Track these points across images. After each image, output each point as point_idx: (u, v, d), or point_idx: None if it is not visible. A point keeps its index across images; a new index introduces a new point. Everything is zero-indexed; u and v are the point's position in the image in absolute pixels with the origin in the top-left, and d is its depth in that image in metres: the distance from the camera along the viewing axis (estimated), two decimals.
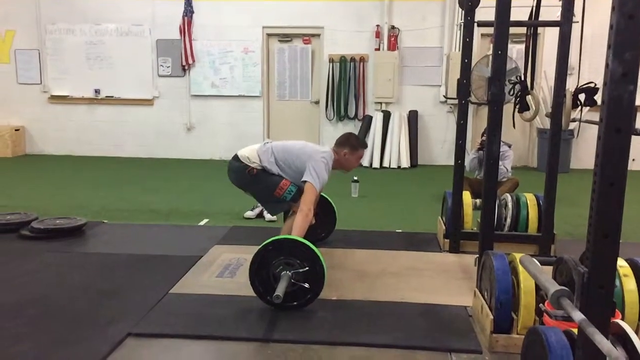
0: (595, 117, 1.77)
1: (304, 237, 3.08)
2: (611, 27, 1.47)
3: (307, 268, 2.91)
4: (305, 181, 3.39)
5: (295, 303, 2.95)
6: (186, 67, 8.78)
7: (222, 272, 3.56)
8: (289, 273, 2.91)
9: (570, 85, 3.66)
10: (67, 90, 9.02)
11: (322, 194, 4.11)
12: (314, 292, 2.95)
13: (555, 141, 3.71)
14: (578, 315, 1.49)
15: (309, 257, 2.93)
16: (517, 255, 2.56)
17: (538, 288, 2.47)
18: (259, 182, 3.56)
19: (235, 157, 3.65)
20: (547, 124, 7.49)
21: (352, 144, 3.65)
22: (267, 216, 5.02)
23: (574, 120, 3.51)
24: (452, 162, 4.16)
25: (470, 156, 5.65)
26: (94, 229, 4.53)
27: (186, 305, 3.04)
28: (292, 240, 2.98)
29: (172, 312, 2.95)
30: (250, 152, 3.63)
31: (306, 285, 2.92)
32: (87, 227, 4.47)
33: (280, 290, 2.78)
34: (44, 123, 9.16)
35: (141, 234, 4.53)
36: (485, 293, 2.76)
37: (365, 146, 3.85)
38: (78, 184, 6.78)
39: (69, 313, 2.92)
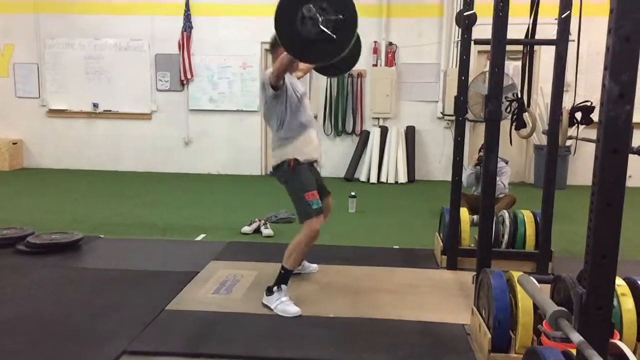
0: (592, 134, 1.78)
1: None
2: (607, 49, 1.48)
3: (340, 16, 2.64)
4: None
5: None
6: (185, 82, 8.81)
7: (219, 288, 3.54)
8: (320, 17, 2.63)
9: (567, 102, 3.68)
10: (66, 104, 9.03)
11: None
12: (341, 43, 2.68)
13: (552, 159, 3.72)
14: (576, 337, 1.48)
15: (346, 7, 2.65)
16: (515, 274, 2.55)
17: (536, 307, 2.46)
18: (297, 176, 3.35)
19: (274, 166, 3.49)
20: (543, 140, 7.51)
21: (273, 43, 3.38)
22: (265, 231, 5.01)
23: (570, 138, 3.53)
24: (449, 178, 4.16)
25: (467, 172, 5.66)
26: (90, 243, 4.51)
27: (182, 322, 3.02)
28: None
29: (168, 329, 2.93)
30: (275, 155, 3.45)
31: (334, 35, 2.64)
32: (83, 242, 4.45)
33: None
34: (41, 137, 9.16)
35: (137, 249, 4.51)
36: (483, 311, 2.75)
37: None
38: (75, 198, 6.76)
39: (64, 329, 2.90)
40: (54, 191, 7.33)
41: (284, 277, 3.26)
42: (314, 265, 3.93)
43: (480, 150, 5.70)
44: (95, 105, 8.98)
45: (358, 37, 3.40)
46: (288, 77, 3.32)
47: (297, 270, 3.49)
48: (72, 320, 3.02)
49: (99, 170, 8.96)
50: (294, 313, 3.14)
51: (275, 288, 3.23)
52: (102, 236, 4.80)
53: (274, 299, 3.21)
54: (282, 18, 2.74)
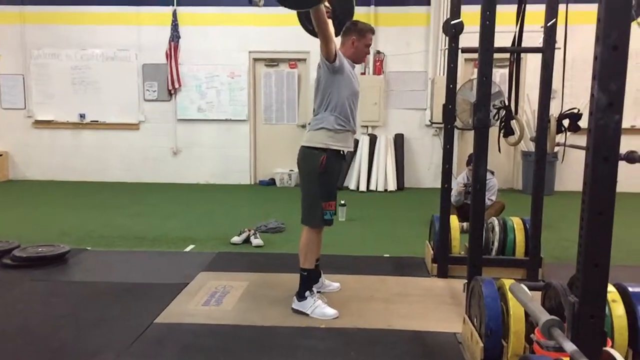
0: (578, 139, 1.79)
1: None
2: (595, 58, 1.49)
3: None
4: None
5: None
6: (172, 92, 8.78)
7: (209, 300, 3.50)
8: None
9: (553, 108, 3.70)
10: (52, 115, 8.96)
11: None
12: None
13: (540, 167, 3.74)
14: (570, 346, 1.48)
15: None
16: (506, 282, 2.55)
17: (528, 314, 2.45)
18: (322, 182, 3.21)
19: (304, 148, 3.30)
20: (531, 146, 7.57)
21: (359, 29, 3.30)
22: (255, 241, 4.98)
23: (558, 145, 3.55)
24: (438, 185, 4.16)
25: (454, 195, 5.57)
26: (77, 256, 4.45)
27: (171, 335, 2.97)
28: None
29: (157, 343, 2.88)
30: (310, 136, 3.26)
31: None
32: (70, 254, 4.39)
33: None
34: (28, 148, 9.07)
35: (125, 261, 4.46)
36: (475, 320, 2.74)
37: (374, 32, 3.42)
38: (62, 210, 6.68)
39: (51, 344, 2.84)
40: (40, 203, 7.25)
41: (307, 279, 3.28)
42: (335, 284, 3.76)
43: (468, 164, 5.68)
44: (82, 116, 8.92)
45: None
46: (349, 68, 3.27)
47: (317, 289, 3.43)
48: (58, 335, 2.96)
49: (86, 182, 8.88)
50: (332, 315, 3.17)
51: (307, 293, 3.24)
52: (89, 248, 4.74)
53: (308, 304, 3.22)
54: None
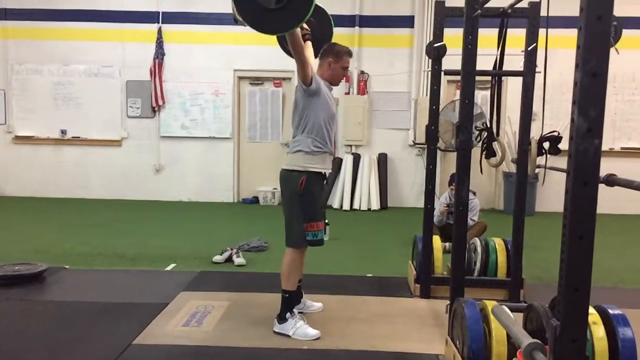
0: (559, 161, 1.81)
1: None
2: (575, 84, 1.52)
3: None
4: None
5: None
6: (156, 109, 8.75)
7: (189, 320, 3.45)
8: None
9: (534, 130, 3.75)
10: (33, 130, 8.85)
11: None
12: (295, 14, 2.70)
13: (522, 189, 3.78)
14: None
15: None
16: (489, 303, 2.55)
17: (510, 336, 2.45)
18: (302, 203, 3.22)
19: (284, 170, 3.32)
20: (512, 167, 7.65)
21: (336, 52, 3.31)
22: (237, 260, 4.93)
23: (539, 167, 3.59)
24: (421, 204, 4.18)
25: (437, 216, 5.60)
26: (54, 275, 4.36)
27: (150, 357, 2.93)
28: None
29: None
30: (289, 159, 3.29)
31: None
32: (47, 273, 4.30)
33: None
34: (7, 164, 8.93)
35: (104, 280, 4.38)
36: (457, 341, 2.73)
37: (351, 54, 3.43)
38: (40, 227, 6.57)
39: None
40: (18, 220, 7.12)
41: (289, 301, 3.27)
42: (318, 305, 3.72)
43: (450, 184, 5.72)
44: (64, 132, 8.83)
45: (324, 12, 3.54)
46: (326, 90, 3.29)
47: (299, 310, 3.42)
48: (32, 356, 2.90)
49: (67, 198, 8.75)
50: (315, 335, 3.17)
51: (288, 314, 3.22)
52: (67, 267, 4.65)
53: (289, 326, 3.20)
54: None
